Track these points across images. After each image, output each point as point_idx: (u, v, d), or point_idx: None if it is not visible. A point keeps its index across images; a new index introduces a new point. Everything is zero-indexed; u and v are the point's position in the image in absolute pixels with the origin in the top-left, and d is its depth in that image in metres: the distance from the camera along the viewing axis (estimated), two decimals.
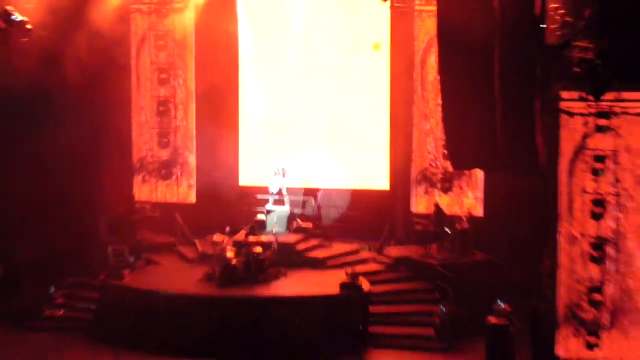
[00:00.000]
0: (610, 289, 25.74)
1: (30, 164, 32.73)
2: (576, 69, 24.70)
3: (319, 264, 32.57)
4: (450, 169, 32.40)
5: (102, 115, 34.88)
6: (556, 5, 24.78)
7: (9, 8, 31.03)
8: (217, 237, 32.11)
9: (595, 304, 25.81)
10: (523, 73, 23.49)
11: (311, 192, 35.37)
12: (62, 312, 31.79)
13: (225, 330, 29.17)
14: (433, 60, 30.55)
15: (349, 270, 30.75)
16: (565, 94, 25.39)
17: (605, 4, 24.80)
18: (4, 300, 32.26)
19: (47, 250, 33.21)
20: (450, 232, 32.60)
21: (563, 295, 25.92)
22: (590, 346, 25.88)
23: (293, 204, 34.43)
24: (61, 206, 33.63)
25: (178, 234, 35.01)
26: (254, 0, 35.11)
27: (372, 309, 30.21)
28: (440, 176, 33.88)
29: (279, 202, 34.20)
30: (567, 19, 24.90)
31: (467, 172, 33.06)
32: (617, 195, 25.64)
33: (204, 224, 34.65)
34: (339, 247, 33.73)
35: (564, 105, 25.54)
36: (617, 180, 25.65)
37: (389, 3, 33.23)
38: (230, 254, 30.80)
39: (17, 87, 31.53)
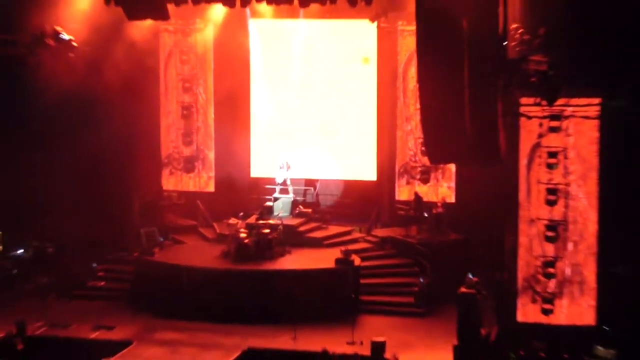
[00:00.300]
0: (561, 264, 26.49)
1: (78, 159, 33.01)
2: (532, 79, 25.16)
3: (318, 243, 33.04)
4: (428, 163, 32.53)
5: (135, 118, 35.17)
6: (516, 25, 25.14)
7: (58, 28, 31.35)
8: (232, 220, 32.55)
9: (549, 276, 26.58)
10: (488, 82, 23.38)
11: (311, 183, 35.62)
12: (102, 283, 32.42)
13: (238, 298, 29.78)
14: (413, 71, 30.73)
15: (343, 248, 31.44)
16: (523, 100, 26.16)
17: (555, 25, 25.32)
18: (55, 273, 32.72)
19: (90, 231, 33.63)
20: (427, 216, 33.15)
21: (522, 269, 26.72)
22: (545, 312, 26.53)
23: (296, 193, 34.78)
24: (102, 194, 33.99)
25: (199, 217, 35.27)
26: (262, 21, 35.04)
27: (362, 280, 30.89)
28: (419, 169, 34.12)
29: (284, 191, 34.54)
30: (525, 37, 25.29)
31: (441, 165, 33.29)
32: (567, 184, 26.39)
33: (221, 209, 35.01)
34: (334, 229, 34.17)
35: (522, 109, 26.23)
36: (567, 172, 26.36)
37: (375, 23, 33.51)
38: (243, 234, 31.41)
39: (65, 94, 31.65)
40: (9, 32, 31.45)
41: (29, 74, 31.52)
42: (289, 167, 34.83)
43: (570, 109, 26.15)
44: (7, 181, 31.87)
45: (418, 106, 25.72)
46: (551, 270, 26.59)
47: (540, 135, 26.47)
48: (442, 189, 34.15)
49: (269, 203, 34.22)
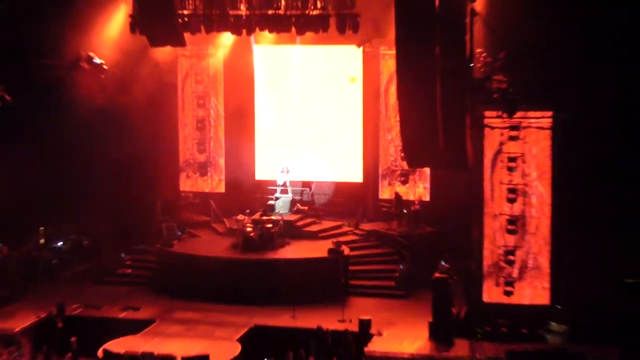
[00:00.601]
0: (520, 252, 26.65)
1: (108, 165, 33.27)
2: (495, 95, 25.39)
3: (313, 236, 33.24)
4: (406, 167, 32.87)
5: (157, 129, 35.35)
6: (480, 50, 25.34)
7: (91, 54, 31.67)
8: (239, 217, 32.76)
9: (510, 263, 26.67)
10: (457, 99, 23.47)
11: (307, 184, 35.58)
12: (129, 271, 32.65)
13: (245, 283, 30.05)
14: (393, 89, 30.69)
15: (334, 240, 31.62)
16: (487, 113, 26.25)
17: (514, 50, 25.57)
18: (89, 262, 33.05)
19: (119, 226, 33.90)
20: (406, 212, 33.29)
21: (487, 257, 26.80)
22: (507, 293, 26.67)
23: (294, 193, 34.83)
24: (129, 194, 34.19)
25: (211, 214, 35.27)
26: (265, 47, 35.16)
27: (351, 267, 31.09)
28: (399, 172, 34.06)
29: (284, 191, 34.61)
30: (488, 60, 25.51)
31: (418, 169, 33.23)
32: (525, 185, 26.51)
33: (230, 207, 35.10)
34: (327, 223, 34.29)
35: (486, 121, 26.33)
36: (525, 175, 26.50)
37: (361, 48, 33.63)
38: (249, 228, 31.63)
39: (97, 109, 32.09)
40: (50, 57, 31.80)
41: (67, 92, 31.99)
42: (288, 171, 34.91)
43: (527, 121, 26.21)
44: (47, 184, 31.93)
45: (397, 119, 25.85)
46: (512, 258, 26.62)
47: (502, 143, 26.52)
48: (419, 189, 34.09)
49: (271, 202, 34.18)
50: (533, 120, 26.28)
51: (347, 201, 35.48)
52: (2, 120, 29.85)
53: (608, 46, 26.82)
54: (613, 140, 27.16)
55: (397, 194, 33.85)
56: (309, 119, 35.88)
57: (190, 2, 29.93)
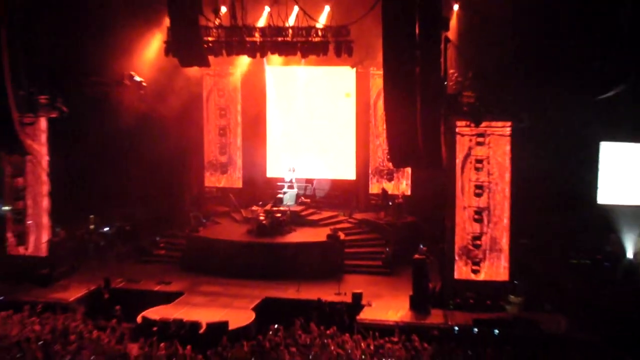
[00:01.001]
0: (485, 238, 26.76)
1: (146, 164, 33.07)
2: (464, 108, 25.62)
3: (314, 223, 33.05)
4: (392, 167, 32.78)
5: (186, 135, 35.28)
6: (452, 71, 25.54)
7: (132, 73, 31.71)
8: (254, 207, 32.75)
9: (477, 247, 26.80)
10: (434, 110, 23.79)
11: (309, 181, 35.39)
12: (163, 252, 32.49)
13: (258, 262, 30.02)
14: (380, 103, 30.34)
15: (332, 227, 31.73)
16: (458, 123, 26.36)
17: (479, 71, 25.63)
18: (130, 244, 33.07)
19: (155, 214, 34.02)
20: (391, 204, 33.11)
21: (458, 241, 26.88)
22: (474, 271, 26.85)
23: (299, 188, 34.62)
24: (163, 189, 34.13)
25: (231, 205, 34.98)
26: (275, 67, 35.06)
27: (346, 250, 31.01)
28: (385, 171, 33.82)
29: (290, 186, 34.42)
30: (459, 79, 25.70)
31: (401, 168, 33.09)
32: (489, 182, 26.64)
33: (246, 199, 34.84)
34: (325, 213, 33.99)
35: (458, 129, 26.43)
36: (489, 174, 26.61)
37: (355, 69, 33.55)
38: (261, 217, 31.57)
39: (137, 118, 31.97)
40: (99, 76, 31.89)
41: (113, 104, 32.05)
42: (294, 170, 34.79)
43: (491, 129, 26.25)
44: (97, 179, 32.03)
45: (384, 127, 25.72)
46: (478, 242, 26.67)
47: (470, 148, 26.53)
48: (402, 185, 33.92)
49: (280, 195, 34.00)
50: (495, 129, 26.32)
51: (342, 195, 35.22)
52: (61, 127, 30.02)
53: (555, 69, 27.10)
54: (558, 145, 27.53)
55: (383, 189, 33.75)
56: (311, 127, 35.69)
57: (214, 30, 29.96)
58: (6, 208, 30.05)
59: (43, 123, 29.61)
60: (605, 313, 24.70)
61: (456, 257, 26.94)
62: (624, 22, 27.24)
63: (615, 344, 22.67)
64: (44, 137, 29.82)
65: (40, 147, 29.77)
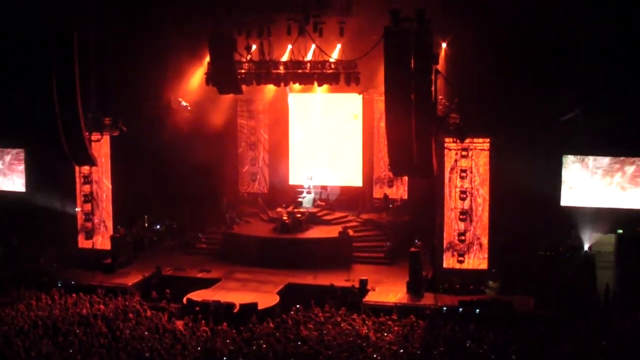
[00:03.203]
0: (468, 234, 26.75)
1: (190, 172, 33.05)
2: (451, 127, 25.57)
3: (328, 222, 32.71)
4: (392, 175, 32.66)
5: (223, 149, 35.32)
6: (441, 97, 25.39)
7: (179, 98, 32.21)
8: (278, 209, 32.76)
9: (462, 241, 26.79)
10: (426, 129, 23.81)
11: (324, 187, 34.93)
12: (204, 245, 32.31)
13: (282, 254, 29.90)
14: (382, 123, 29.77)
15: (343, 225, 31.66)
16: (446, 139, 26.30)
17: (463, 97, 25.67)
18: (177, 239, 33.10)
19: (197, 215, 33.88)
20: (391, 207, 32.94)
21: (446, 237, 26.90)
22: (459, 262, 26.81)
23: (315, 193, 34.30)
24: (204, 193, 33.99)
25: (259, 207, 34.76)
26: (296, 94, 34.82)
27: (354, 244, 30.87)
28: (387, 179, 33.70)
29: (309, 192, 34.15)
30: (446, 104, 25.68)
31: (400, 177, 32.85)
32: (472, 189, 26.66)
33: (272, 202, 34.68)
34: (337, 214, 33.53)
35: (446, 144, 26.43)
36: (472, 181, 26.60)
37: (361, 95, 33.31)
38: (285, 217, 31.43)
39: (183, 135, 32.53)
40: (152, 100, 32.17)
41: (163, 123, 32.50)
42: (311, 178, 34.45)
43: (473, 144, 26.24)
44: (150, 185, 32.00)
45: (385, 143, 25.59)
46: (463, 238, 26.67)
47: (456, 160, 26.51)
48: (400, 190, 33.74)
49: (299, 199, 33.87)
50: (477, 144, 26.34)
51: (351, 199, 34.71)
52: (121, 143, 30.21)
53: (526, 95, 27.22)
54: (528, 157, 27.49)
55: (385, 194, 33.55)
56: (325, 142, 35.40)
57: (246, 64, 30.23)
58: (77, 209, 30.31)
59: (107, 140, 29.86)
60: (565, 294, 24.85)
61: (445, 250, 26.91)
62: (580, 57, 27.66)
63: (570, 317, 22.86)
64: (107, 151, 30.09)
65: (104, 159, 30.07)
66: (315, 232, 31.45)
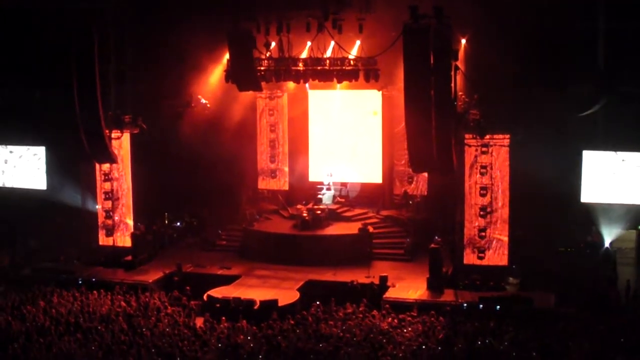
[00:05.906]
0: (488, 230, 26.61)
1: (210, 170, 33.29)
2: (471, 124, 25.61)
3: (348, 219, 32.73)
4: (411, 172, 31.80)
5: (242, 147, 35.16)
6: (461, 93, 25.50)
7: (199, 96, 32.18)
8: (298, 206, 32.61)
9: (482, 237, 26.66)
10: (446, 125, 23.95)
11: (344, 184, 34.71)
12: (224, 242, 32.36)
13: (302, 251, 30.01)
14: (402, 119, 30.20)
15: (363, 222, 31.59)
16: (466, 135, 26.20)
17: (483, 93, 25.67)
18: (197, 236, 33.13)
19: (217, 212, 34.11)
20: (411, 203, 33.02)
21: (466, 233, 26.80)
22: (479, 258, 26.74)
23: (335, 190, 34.25)
24: (224, 190, 34.10)
25: (279, 204, 34.94)
26: (316, 90, 34.73)
27: (374, 241, 30.81)
28: (407, 175, 33.49)
29: (328, 188, 34.12)
30: (466, 100, 25.75)
31: (419, 173, 32.44)
32: (492, 185, 26.48)
33: (292, 199, 34.77)
34: (357, 211, 33.55)
35: (466, 141, 26.31)
36: (492, 178, 26.46)
37: (381, 92, 33.22)
38: (305, 214, 31.45)
39: (203, 132, 32.64)
40: (172, 98, 32.32)
41: (183, 121, 32.67)
42: (331, 175, 34.44)
43: (493, 141, 26.16)
44: (170, 183, 32.29)
45: (405, 139, 25.70)
46: (483, 234, 26.58)
47: (476, 156, 26.44)
48: (420, 187, 33.46)
49: (319, 196, 33.83)
50: (497, 141, 26.25)
51: (370, 195, 34.71)
52: (141, 141, 30.45)
53: (546, 91, 27.21)
54: (548, 153, 27.47)
55: (405, 191, 33.58)
56: (345, 139, 35.37)
57: (265, 61, 30.38)
58: (98, 207, 30.55)
59: (127, 137, 30.07)
60: (586, 291, 24.85)
61: (465, 246, 26.85)
62: (601, 55, 27.73)
63: (591, 314, 22.76)
64: (128, 149, 30.30)
65: (125, 157, 30.26)
66: (335, 229, 31.44)
